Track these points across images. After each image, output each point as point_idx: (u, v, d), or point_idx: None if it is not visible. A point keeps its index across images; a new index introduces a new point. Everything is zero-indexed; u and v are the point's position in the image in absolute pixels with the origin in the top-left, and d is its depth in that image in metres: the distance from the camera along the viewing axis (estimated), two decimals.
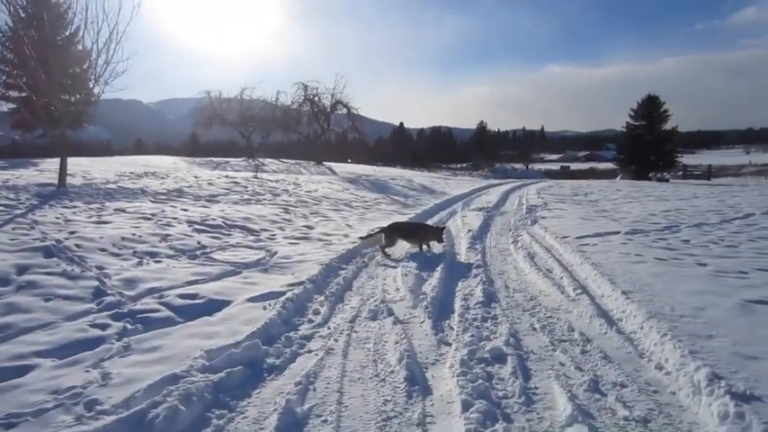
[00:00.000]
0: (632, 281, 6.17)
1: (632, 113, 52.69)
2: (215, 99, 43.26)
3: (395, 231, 8.85)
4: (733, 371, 3.69)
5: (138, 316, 4.97)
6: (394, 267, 7.56)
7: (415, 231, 8.99)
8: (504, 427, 3.20)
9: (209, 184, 17.32)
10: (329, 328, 5.07)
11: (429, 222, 11.66)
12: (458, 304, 5.77)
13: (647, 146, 49.58)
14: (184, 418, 3.26)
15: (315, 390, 3.77)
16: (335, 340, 4.75)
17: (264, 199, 14.82)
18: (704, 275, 6.45)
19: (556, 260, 7.83)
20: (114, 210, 10.44)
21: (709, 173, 44.96)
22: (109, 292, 5.59)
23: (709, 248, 8.16)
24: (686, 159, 56.74)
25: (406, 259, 7.99)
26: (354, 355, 4.44)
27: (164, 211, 10.71)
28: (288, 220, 11.36)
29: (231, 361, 4.06)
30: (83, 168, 18.72)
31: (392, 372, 4.05)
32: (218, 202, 13.38)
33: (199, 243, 8.24)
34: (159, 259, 7.17)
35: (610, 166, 65.96)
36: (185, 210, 11.27)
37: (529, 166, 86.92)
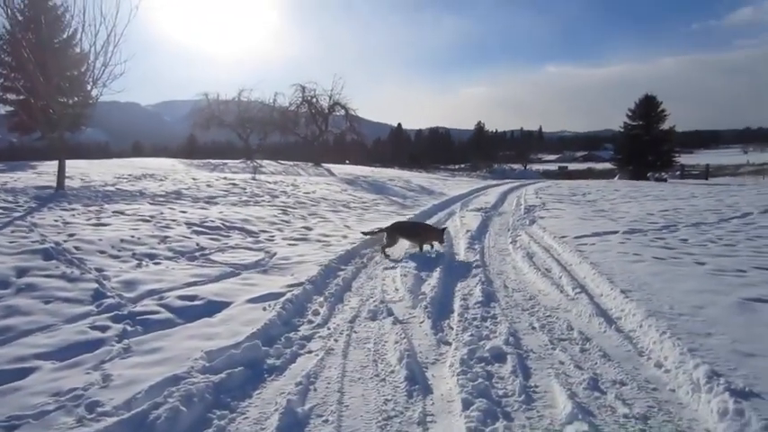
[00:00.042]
0: (631, 280, 6.19)
1: (630, 113, 52.79)
2: (213, 101, 43.25)
3: (397, 231, 8.88)
4: (732, 368, 3.71)
5: (137, 318, 4.97)
6: (393, 268, 7.56)
7: (417, 231, 9.02)
8: (505, 426, 3.21)
9: (208, 185, 17.31)
10: (329, 329, 5.08)
11: (428, 223, 11.68)
12: (457, 304, 5.78)
13: (644, 146, 49.66)
14: (186, 419, 3.26)
15: (315, 390, 3.78)
16: (335, 340, 4.75)
17: (263, 200, 14.81)
18: (703, 274, 6.47)
19: (554, 260, 7.85)
20: (113, 212, 10.43)
21: (706, 172, 45.05)
22: (108, 294, 5.59)
23: (708, 247, 8.18)
24: (684, 159, 56.86)
25: (405, 260, 8.00)
26: (354, 355, 4.44)
27: (162, 213, 10.70)
28: (286, 222, 11.36)
29: (231, 362, 4.07)
30: (81, 171, 18.68)
31: (392, 371, 4.06)
32: (216, 203, 13.38)
33: (198, 245, 8.24)
34: (158, 261, 7.17)
35: (608, 166, 66.09)
36: (184, 212, 11.27)
37: (527, 167, 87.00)
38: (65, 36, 21.45)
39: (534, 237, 9.97)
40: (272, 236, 9.64)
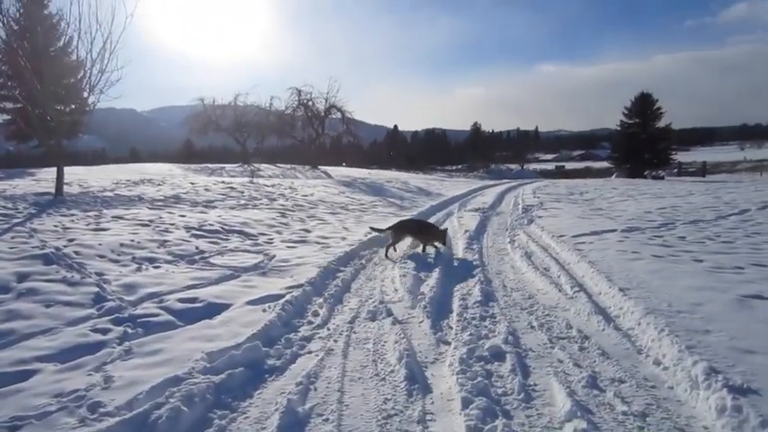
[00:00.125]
0: (629, 278, 6.22)
1: (626, 112, 52.82)
2: (209, 106, 43.31)
3: (404, 229, 8.94)
4: (730, 365, 3.72)
5: (138, 320, 4.99)
6: (392, 269, 7.59)
7: (423, 230, 9.04)
8: (504, 424, 3.22)
9: (206, 189, 17.34)
10: (329, 330, 5.10)
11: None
12: (456, 304, 5.80)
13: (641, 144, 49.69)
14: (187, 419, 3.28)
15: (316, 389, 3.79)
16: (335, 341, 4.77)
17: (261, 204, 14.84)
18: (701, 271, 6.49)
19: (553, 259, 7.87)
20: (112, 217, 10.46)
21: (704, 170, 45.07)
22: (109, 297, 5.61)
23: (706, 245, 8.21)
24: (681, 156, 56.91)
25: (404, 260, 8.01)
26: (354, 355, 4.46)
27: (161, 218, 10.73)
28: (285, 224, 11.38)
29: (232, 362, 4.09)
30: (79, 177, 18.70)
31: (392, 371, 4.08)
32: (215, 207, 13.40)
33: (197, 248, 8.26)
34: (158, 265, 7.19)
35: (605, 164, 66.12)
36: (183, 216, 11.29)
37: (524, 167, 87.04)
38: (60, 44, 21.49)
39: (532, 236, 9.99)
40: (271, 238, 9.66)
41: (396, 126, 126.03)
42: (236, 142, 45.00)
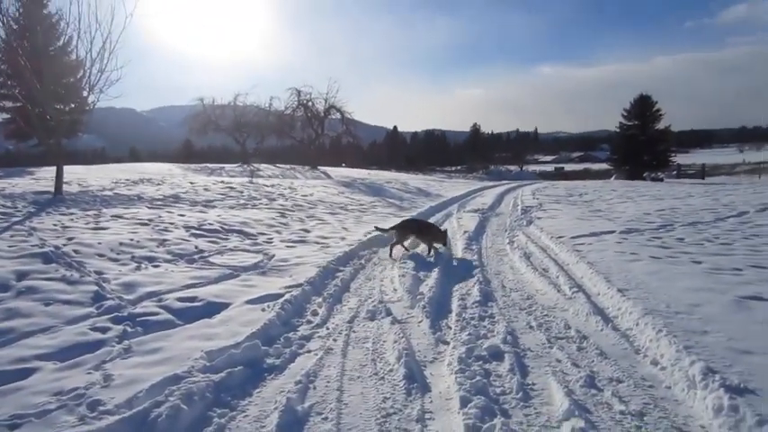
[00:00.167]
0: (627, 279, 6.23)
1: (625, 113, 52.86)
2: (208, 106, 43.35)
3: (408, 228, 8.96)
4: (727, 365, 3.73)
5: (137, 319, 5.00)
6: (391, 269, 7.60)
7: (422, 230, 9.05)
8: (502, 422, 3.23)
9: (205, 189, 17.34)
10: (328, 329, 5.11)
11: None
12: (455, 304, 5.81)
13: (640, 146, 49.74)
14: (186, 417, 3.29)
15: (315, 388, 3.81)
16: (334, 340, 4.79)
17: (261, 203, 14.85)
18: (699, 273, 6.50)
19: (552, 260, 7.89)
20: (111, 216, 10.46)
21: (703, 172, 45.13)
22: (108, 296, 5.62)
23: (704, 246, 8.22)
24: (680, 158, 56.95)
25: (403, 260, 8.02)
26: (353, 354, 4.48)
27: (160, 217, 10.74)
28: (284, 224, 11.39)
29: (231, 361, 4.10)
30: (78, 176, 18.69)
31: (391, 370, 4.09)
32: (214, 207, 13.41)
33: (196, 247, 8.27)
34: (157, 264, 7.19)
35: (604, 166, 66.16)
36: (182, 215, 11.31)
37: (523, 168, 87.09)
38: (60, 43, 21.47)
39: (531, 237, 10.01)
40: (271, 238, 9.67)
41: (395, 127, 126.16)
42: (236, 142, 45.04)
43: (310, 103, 42.82)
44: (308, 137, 45.04)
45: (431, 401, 3.62)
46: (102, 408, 3.33)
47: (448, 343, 4.68)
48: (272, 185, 20.55)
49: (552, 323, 5.17)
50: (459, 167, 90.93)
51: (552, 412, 3.40)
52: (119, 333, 4.65)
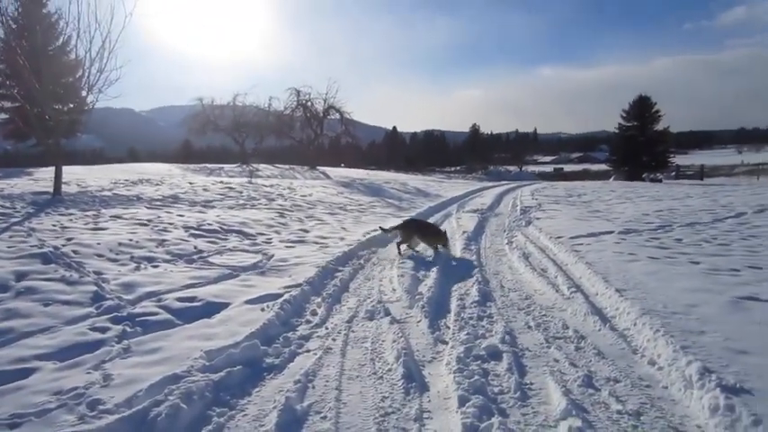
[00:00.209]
0: (626, 279, 6.25)
1: (624, 114, 52.85)
2: (207, 106, 43.38)
3: (412, 228, 9.03)
4: (724, 365, 3.75)
5: (137, 319, 5.01)
6: (390, 269, 7.62)
7: (421, 229, 9.09)
8: (500, 422, 3.24)
9: (204, 189, 17.35)
10: (327, 329, 5.13)
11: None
12: (454, 304, 5.82)
13: (639, 147, 49.73)
14: (186, 416, 3.30)
15: (314, 387, 3.82)
16: (333, 340, 4.80)
17: (260, 204, 14.85)
18: (697, 273, 6.52)
19: (550, 260, 7.91)
20: (110, 216, 10.47)
21: (701, 173, 45.17)
22: (107, 296, 5.63)
23: (702, 247, 8.24)
24: (679, 160, 56.92)
25: (402, 260, 8.04)
26: (352, 353, 4.49)
27: (160, 217, 10.74)
28: (284, 224, 11.40)
29: (231, 361, 4.11)
30: (77, 177, 18.69)
31: (390, 369, 4.10)
32: (213, 207, 13.41)
33: (195, 248, 8.28)
34: (157, 264, 7.20)
35: (603, 167, 66.13)
36: (181, 215, 11.31)
37: (522, 169, 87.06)
38: (59, 43, 21.44)
39: (530, 237, 10.04)
40: (270, 238, 9.68)
41: (395, 127, 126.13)
42: (235, 142, 45.06)
43: (309, 104, 42.91)
44: (307, 137, 45.06)
45: (429, 401, 3.63)
46: (101, 407, 3.35)
47: (446, 343, 4.70)
48: (271, 186, 20.55)
49: (550, 323, 5.19)
50: (458, 168, 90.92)
51: (549, 411, 3.42)
52: (118, 333, 4.66)
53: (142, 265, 7.05)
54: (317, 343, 4.74)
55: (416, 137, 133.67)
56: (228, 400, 3.62)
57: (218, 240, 9.06)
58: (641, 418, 3.34)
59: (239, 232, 9.94)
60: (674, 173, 47.28)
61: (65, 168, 15.15)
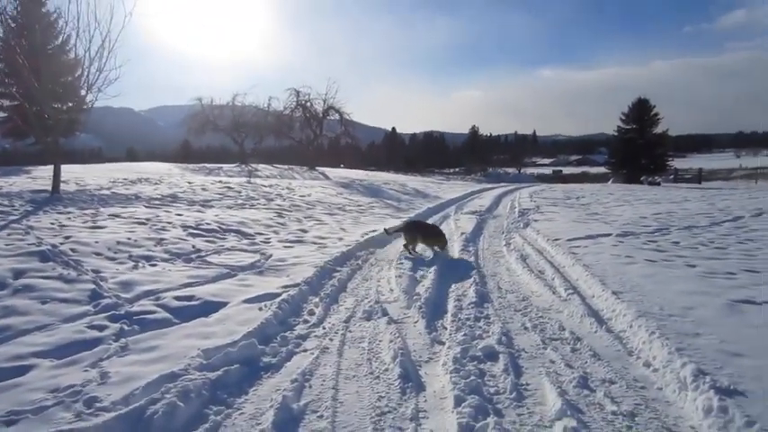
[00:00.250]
0: (622, 281, 6.27)
1: (623, 117, 52.84)
2: (207, 106, 43.26)
3: (414, 229, 9.11)
4: (718, 367, 3.77)
5: (134, 317, 5.03)
6: (388, 269, 7.63)
7: (420, 229, 9.14)
8: (496, 422, 3.26)
9: (203, 189, 17.34)
10: (324, 328, 5.14)
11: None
12: (451, 305, 5.84)
13: (638, 149, 49.71)
14: (183, 414, 3.32)
15: (311, 387, 3.84)
16: (331, 339, 4.82)
17: (258, 203, 14.86)
18: (693, 276, 6.55)
19: (548, 262, 7.93)
20: (109, 215, 10.46)
21: (699, 176, 45.19)
22: (105, 294, 5.64)
23: (699, 250, 8.26)
24: (677, 163, 56.97)
25: (400, 261, 8.05)
26: (349, 353, 4.51)
27: (158, 216, 10.75)
28: (282, 224, 11.41)
29: (228, 359, 4.13)
30: (76, 175, 18.67)
31: (386, 369, 4.12)
32: (212, 206, 13.42)
33: (194, 247, 8.29)
34: (155, 263, 7.21)
35: (602, 170, 66.18)
36: (180, 214, 11.32)
37: (521, 171, 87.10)
38: (58, 42, 21.43)
39: (528, 239, 10.05)
40: (268, 238, 9.69)
41: (394, 128, 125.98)
42: (234, 142, 44.98)
43: (309, 104, 42.83)
44: (306, 137, 45.00)
45: (425, 400, 3.65)
46: (98, 404, 3.36)
47: (443, 343, 4.72)
48: (270, 186, 20.54)
49: (547, 324, 5.20)
50: (457, 169, 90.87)
51: (545, 412, 3.44)
52: (116, 331, 4.67)
53: (140, 264, 7.06)
54: (315, 342, 4.76)
55: (416, 138, 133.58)
56: (225, 398, 3.63)
57: (216, 240, 9.07)
58: (636, 418, 3.36)
59: (238, 232, 9.95)
60: (672, 176, 47.29)
61: (63, 167, 15.14)
